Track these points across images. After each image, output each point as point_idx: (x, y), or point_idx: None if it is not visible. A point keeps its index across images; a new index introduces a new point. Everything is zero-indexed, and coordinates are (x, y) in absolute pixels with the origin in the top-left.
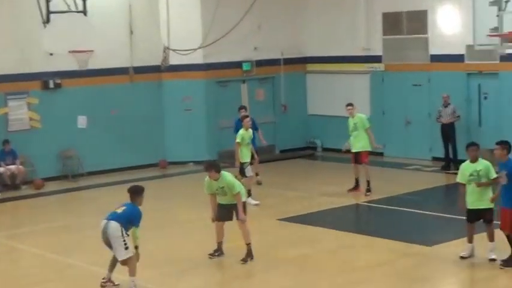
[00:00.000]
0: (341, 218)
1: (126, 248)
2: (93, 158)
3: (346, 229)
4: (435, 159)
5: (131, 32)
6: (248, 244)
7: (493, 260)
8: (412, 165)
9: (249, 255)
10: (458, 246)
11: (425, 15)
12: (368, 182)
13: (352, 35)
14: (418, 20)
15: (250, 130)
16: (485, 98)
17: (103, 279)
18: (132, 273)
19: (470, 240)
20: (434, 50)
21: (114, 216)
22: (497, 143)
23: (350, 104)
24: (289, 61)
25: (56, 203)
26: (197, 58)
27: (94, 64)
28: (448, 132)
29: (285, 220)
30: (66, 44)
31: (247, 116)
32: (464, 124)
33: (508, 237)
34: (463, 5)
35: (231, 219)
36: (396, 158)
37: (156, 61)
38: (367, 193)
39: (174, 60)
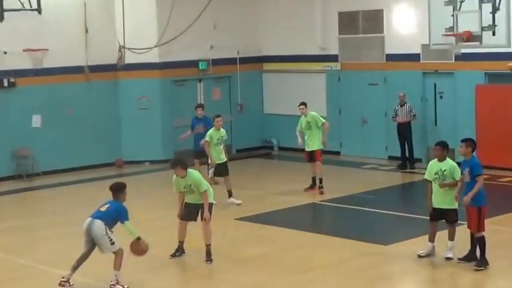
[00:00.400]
0: (298, 217)
1: (113, 244)
2: (48, 158)
3: (302, 228)
4: (391, 158)
5: (86, 31)
6: (208, 245)
7: (449, 258)
8: (369, 164)
9: (209, 255)
10: (415, 244)
11: (381, 15)
12: (320, 180)
13: (309, 34)
14: (374, 19)
15: (223, 130)
16: (441, 97)
17: (62, 278)
18: (117, 267)
19: (431, 239)
20: (390, 49)
21: (98, 215)
22: (436, 144)
23: (302, 104)
24: (245, 60)
25: (10, 203)
26: (153, 57)
27: (49, 63)
28: (404, 132)
29: (243, 219)
30: (20, 42)
31: (218, 116)
32: (420, 123)
33: (472, 235)
34: (418, 4)
35: (195, 219)
36: (353, 157)
37: (112, 60)
38: (321, 190)
39: (130, 59)
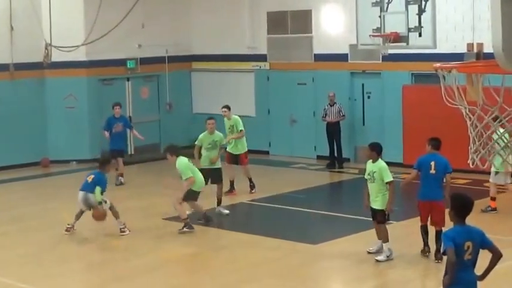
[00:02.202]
0: (225, 216)
1: (106, 202)
2: None
3: (230, 228)
4: (320, 157)
5: (11, 28)
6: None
7: (377, 260)
8: (298, 163)
9: (187, 225)
10: (344, 243)
11: (309, 15)
12: (250, 179)
13: (238, 34)
14: (303, 20)
15: (218, 134)
16: (369, 97)
17: (68, 224)
18: (118, 216)
19: (378, 237)
20: (318, 49)
21: (88, 187)
22: (370, 145)
23: (225, 107)
24: (174, 59)
25: None
26: (80, 55)
27: None
28: (333, 131)
29: (170, 219)
30: None
31: (210, 118)
32: (348, 123)
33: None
34: (346, 5)
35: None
36: (282, 157)
37: (38, 58)
38: (252, 190)
39: (57, 57)
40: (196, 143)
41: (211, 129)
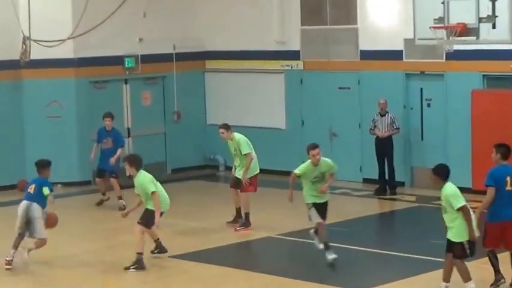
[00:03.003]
0: (250, 254)
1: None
2: None
3: (256, 269)
4: (367, 181)
5: None
6: (139, 253)
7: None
8: (339, 188)
9: (137, 263)
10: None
11: (353, 2)
12: (246, 215)
13: (263, 25)
14: (345, 7)
15: (325, 161)
16: (429, 105)
17: (7, 257)
18: (39, 245)
19: (444, 277)
20: (365, 45)
21: (32, 197)
22: (433, 168)
23: (222, 127)
24: (183, 56)
25: None
26: (66, 52)
27: None
28: (384, 148)
29: (177, 257)
30: None
31: (315, 147)
32: (403, 137)
33: None
34: None
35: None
36: None
37: (14, 55)
38: (238, 227)
39: (37, 53)
40: (296, 171)
41: (316, 161)
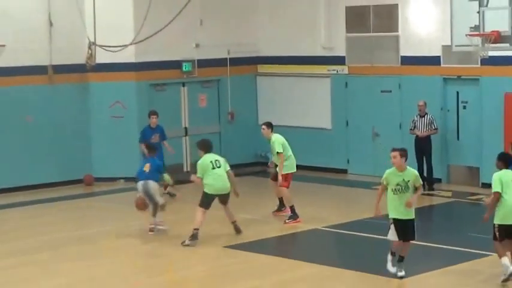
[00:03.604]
0: (297, 245)
1: (161, 196)
2: (2, 174)
3: (303, 258)
4: None
5: (50, 24)
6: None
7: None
8: (380, 184)
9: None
10: (434, 278)
11: (395, 10)
12: (280, 199)
13: (311, 32)
14: (388, 16)
15: (411, 170)
16: (464, 107)
17: (150, 224)
18: (155, 214)
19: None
20: (405, 51)
21: (148, 176)
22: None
23: (264, 124)
24: (237, 61)
25: None
26: (129, 56)
27: (5, 61)
28: (423, 147)
29: (233, 247)
30: None
31: (395, 149)
32: (440, 137)
33: None
34: None
35: None
36: (362, 176)
37: (81, 59)
38: (277, 212)
39: (102, 58)
40: (381, 180)
41: (398, 165)
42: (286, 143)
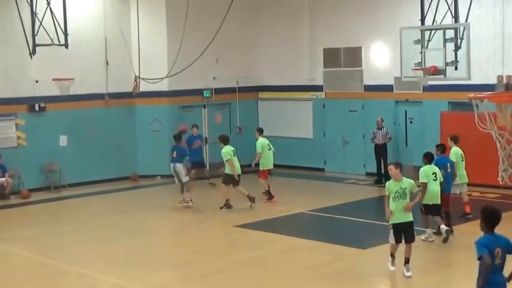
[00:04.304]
0: (288, 224)
1: (186, 175)
2: (73, 172)
3: (291, 234)
4: (369, 174)
5: (107, 63)
6: (227, 200)
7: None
8: (349, 179)
9: (226, 205)
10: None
11: (360, 51)
12: (266, 191)
13: (298, 67)
14: (354, 55)
15: (407, 180)
16: (411, 122)
17: (181, 200)
18: (188, 190)
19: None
20: (367, 81)
21: (176, 160)
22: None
23: (257, 128)
24: (243, 89)
25: (39, 211)
26: (164, 86)
27: (74, 90)
28: (381, 152)
29: (241, 227)
30: (50, 72)
31: (391, 164)
32: (393, 144)
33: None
34: (392, 43)
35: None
36: (335, 173)
37: (128, 88)
38: (265, 201)
39: (144, 87)
40: (384, 191)
41: (395, 175)
42: (266, 146)
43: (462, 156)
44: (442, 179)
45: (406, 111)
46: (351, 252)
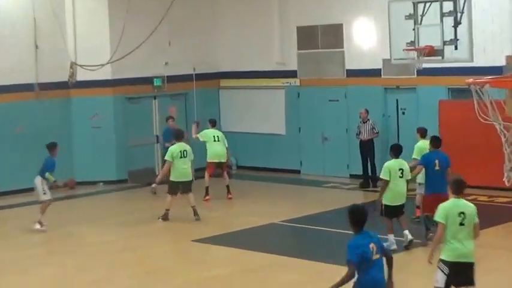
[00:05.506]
0: (257, 238)
1: (44, 194)
2: None
3: (262, 249)
4: (353, 176)
5: (36, 47)
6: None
7: None
8: (330, 183)
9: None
10: None
11: (340, 29)
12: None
13: (267, 50)
14: (334, 34)
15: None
16: (403, 113)
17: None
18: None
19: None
20: (350, 65)
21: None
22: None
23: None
24: (201, 76)
25: None
26: (105, 74)
27: None
28: (366, 149)
29: (200, 241)
30: None
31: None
32: (382, 140)
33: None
34: (378, 19)
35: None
36: (313, 176)
37: (63, 77)
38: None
39: (82, 76)
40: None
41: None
42: (211, 137)
43: None
44: (410, 177)
45: (397, 101)
46: (330, 269)
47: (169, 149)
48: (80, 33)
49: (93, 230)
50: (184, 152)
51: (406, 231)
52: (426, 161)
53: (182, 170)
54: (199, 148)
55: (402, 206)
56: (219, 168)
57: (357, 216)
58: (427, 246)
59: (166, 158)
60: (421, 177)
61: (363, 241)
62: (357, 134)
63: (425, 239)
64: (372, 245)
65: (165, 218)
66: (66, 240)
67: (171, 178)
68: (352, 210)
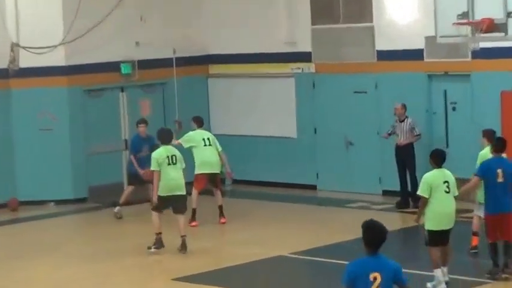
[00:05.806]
0: (260, 275)
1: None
2: None
3: None
4: (387, 193)
5: None
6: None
7: None
8: (356, 201)
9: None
10: None
11: None
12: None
13: (271, 25)
14: (359, 3)
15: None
16: (454, 108)
17: None
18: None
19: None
20: (382, 45)
21: None
22: None
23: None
24: (184, 61)
25: None
26: (57, 59)
27: None
28: (405, 157)
29: (183, 280)
30: None
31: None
32: (425, 144)
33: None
34: None
35: None
36: (334, 193)
37: (1, 63)
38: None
39: (26, 61)
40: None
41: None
42: (199, 140)
43: None
44: (457, 193)
45: (445, 92)
46: None
47: (153, 155)
48: (23, 7)
49: (42, 265)
50: (173, 158)
51: (445, 269)
52: (485, 171)
53: (172, 182)
54: (185, 157)
55: (449, 231)
56: (212, 182)
57: (370, 234)
58: None
59: (152, 168)
60: (481, 195)
61: (362, 268)
62: (388, 133)
63: (490, 276)
64: (374, 276)
65: (158, 245)
66: (7, 279)
67: (158, 193)
68: (367, 226)
